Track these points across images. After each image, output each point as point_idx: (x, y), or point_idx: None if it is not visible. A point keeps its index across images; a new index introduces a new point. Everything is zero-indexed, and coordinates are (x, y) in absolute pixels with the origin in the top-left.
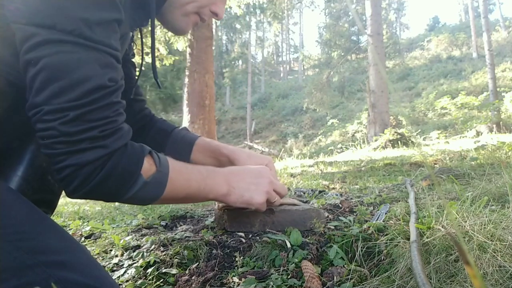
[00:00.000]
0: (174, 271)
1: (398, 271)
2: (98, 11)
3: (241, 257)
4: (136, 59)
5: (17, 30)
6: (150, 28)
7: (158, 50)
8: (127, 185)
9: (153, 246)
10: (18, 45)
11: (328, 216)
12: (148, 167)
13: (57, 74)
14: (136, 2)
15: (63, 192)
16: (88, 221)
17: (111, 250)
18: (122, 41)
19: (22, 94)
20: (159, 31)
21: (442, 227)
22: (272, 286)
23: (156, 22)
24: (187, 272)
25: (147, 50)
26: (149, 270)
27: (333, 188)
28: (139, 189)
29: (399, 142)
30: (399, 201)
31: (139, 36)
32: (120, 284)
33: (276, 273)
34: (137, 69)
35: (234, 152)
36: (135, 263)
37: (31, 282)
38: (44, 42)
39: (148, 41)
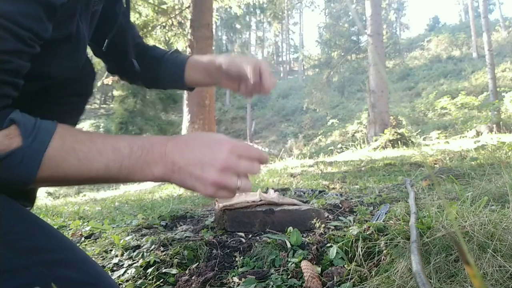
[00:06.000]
0: (174, 271)
1: (398, 271)
2: None
3: (241, 257)
4: None
5: None
6: None
7: None
8: None
9: (153, 246)
10: None
11: (328, 216)
12: (3, 142)
13: None
14: None
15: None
16: (88, 221)
17: (111, 250)
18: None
19: None
20: (159, 31)
21: (442, 227)
22: (272, 286)
23: None
24: (187, 272)
25: None
26: (149, 270)
27: (333, 188)
28: None
29: (399, 142)
30: (399, 201)
31: None
32: (120, 284)
33: (276, 273)
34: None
35: (226, 61)
36: (135, 263)
37: (29, 283)
38: None
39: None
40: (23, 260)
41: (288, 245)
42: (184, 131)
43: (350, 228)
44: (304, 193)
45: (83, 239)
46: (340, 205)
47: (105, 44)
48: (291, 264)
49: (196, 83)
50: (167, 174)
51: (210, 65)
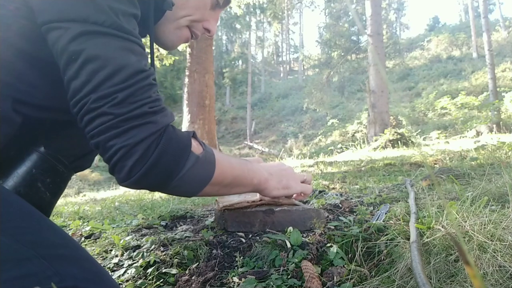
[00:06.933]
0: (174, 271)
1: (398, 271)
2: (121, 5)
3: (241, 257)
4: None
5: (49, 29)
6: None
7: (158, 50)
8: (181, 162)
9: (153, 246)
10: (53, 44)
11: (328, 216)
12: (196, 146)
13: (100, 64)
14: None
15: (60, 198)
16: (88, 221)
17: (111, 250)
18: None
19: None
20: None
21: (442, 227)
22: (272, 286)
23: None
24: (187, 272)
25: None
26: (149, 270)
27: (333, 188)
28: (192, 165)
29: (399, 142)
30: (399, 201)
31: None
32: (120, 284)
33: (276, 273)
34: None
35: None
36: (135, 263)
37: (30, 274)
38: (80, 35)
39: None
40: (27, 251)
41: (288, 245)
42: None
43: (350, 228)
44: None
45: (83, 239)
46: (340, 205)
47: None
48: (291, 264)
49: None
50: (269, 177)
51: None
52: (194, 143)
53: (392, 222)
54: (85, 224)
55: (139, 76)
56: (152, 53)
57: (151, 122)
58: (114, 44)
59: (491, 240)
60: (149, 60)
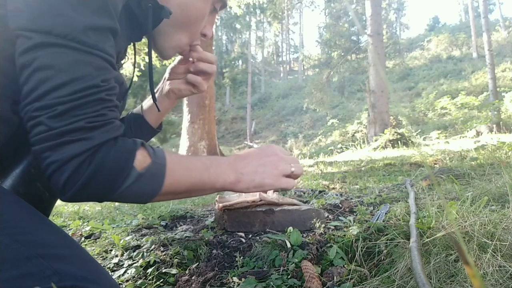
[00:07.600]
0: (174, 271)
1: (398, 271)
2: (94, 18)
3: (241, 257)
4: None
5: (17, 36)
6: (146, 48)
7: None
8: (119, 179)
9: (153, 246)
10: (16, 50)
11: (328, 216)
12: (141, 159)
13: (50, 74)
14: (132, 21)
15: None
16: (88, 221)
17: (111, 250)
18: (117, 56)
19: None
20: None
21: (442, 227)
22: (272, 286)
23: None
24: (187, 272)
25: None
26: (149, 270)
27: (333, 188)
28: (133, 182)
29: (399, 142)
30: (399, 201)
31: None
32: (120, 284)
33: (276, 273)
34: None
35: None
36: (135, 263)
37: (29, 273)
38: (38, 45)
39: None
40: (26, 251)
41: (288, 245)
42: (184, 131)
43: (350, 228)
44: (304, 193)
45: (83, 239)
46: (340, 205)
47: None
48: (291, 264)
49: (159, 118)
50: (238, 178)
51: (161, 93)
52: (140, 155)
53: (392, 222)
54: (85, 224)
55: (89, 90)
56: (150, 57)
57: (85, 139)
58: (72, 56)
59: (491, 240)
60: (117, 73)
